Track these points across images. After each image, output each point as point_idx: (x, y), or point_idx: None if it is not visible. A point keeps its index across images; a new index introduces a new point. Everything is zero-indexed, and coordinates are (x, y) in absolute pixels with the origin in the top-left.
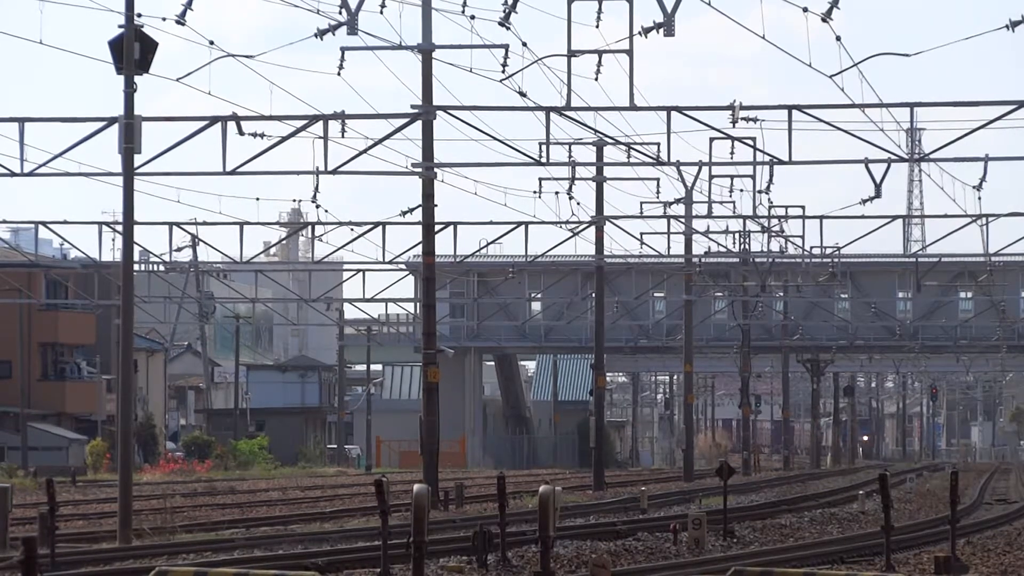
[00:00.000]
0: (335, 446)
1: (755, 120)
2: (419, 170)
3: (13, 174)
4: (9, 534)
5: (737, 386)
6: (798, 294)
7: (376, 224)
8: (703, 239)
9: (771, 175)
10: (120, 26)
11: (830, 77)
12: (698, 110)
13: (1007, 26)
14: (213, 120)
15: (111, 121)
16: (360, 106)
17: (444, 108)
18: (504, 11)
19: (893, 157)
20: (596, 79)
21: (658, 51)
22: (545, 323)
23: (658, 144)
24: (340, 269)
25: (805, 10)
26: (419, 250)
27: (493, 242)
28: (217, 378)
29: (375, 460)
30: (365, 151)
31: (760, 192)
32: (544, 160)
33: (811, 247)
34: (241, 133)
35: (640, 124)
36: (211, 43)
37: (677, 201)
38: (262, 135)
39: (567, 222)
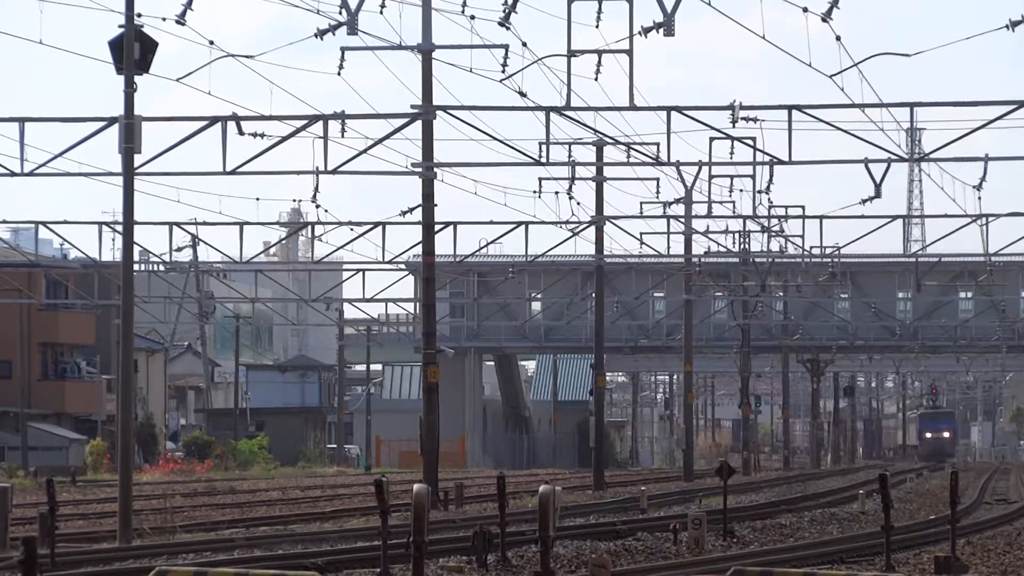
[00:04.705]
0: (335, 446)
1: (755, 120)
2: (419, 170)
3: (13, 174)
4: (9, 534)
5: (737, 386)
6: (798, 294)
7: (376, 224)
8: (703, 239)
9: (771, 175)
10: (120, 26)
11: (830, 77)
12: (698, 110)
13: (1007, 26)
14: (213, 120)
15: (111, 121)
16: (360, 106)
17: (444, 108)
18: (504, 11)
19: (893, 157)
20: (596, 79)
21: (658, 51)
22: (545, 323)
23: (658, 144)
24: (340, 269)
25: (805, 10)
26: (419, 250)
27: (493, 242)
28: (217, 378)
29: (375, 460)
30: (365, 151)
31: (760, 192)
32: (544, 160)
33: (811, 247)
34: (241, 133)
35: (640, 124)
36: (211, 43)
37: (677, 201)
38: (262, 135)
39: (567, 222)
